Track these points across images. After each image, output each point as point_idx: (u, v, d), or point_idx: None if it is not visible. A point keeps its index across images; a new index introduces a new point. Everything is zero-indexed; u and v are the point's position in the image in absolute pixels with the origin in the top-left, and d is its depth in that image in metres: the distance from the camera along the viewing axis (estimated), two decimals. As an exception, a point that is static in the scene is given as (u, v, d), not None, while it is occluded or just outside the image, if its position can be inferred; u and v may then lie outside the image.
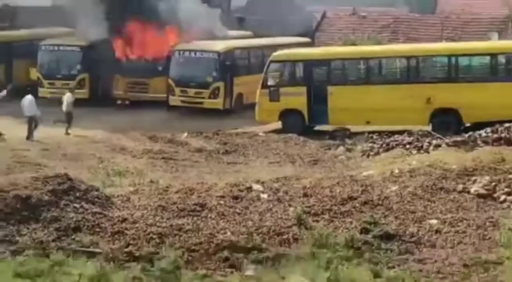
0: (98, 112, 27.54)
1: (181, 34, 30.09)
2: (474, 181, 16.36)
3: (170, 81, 28.81)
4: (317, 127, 25.24)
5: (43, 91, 30.01)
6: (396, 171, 17.28)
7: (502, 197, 15.41)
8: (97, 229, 12.66)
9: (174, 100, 28.70)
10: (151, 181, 17.54)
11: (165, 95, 29.29)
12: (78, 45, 30.65)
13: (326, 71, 25.05)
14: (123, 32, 29.76)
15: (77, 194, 13.49)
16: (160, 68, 29.80)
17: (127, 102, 30.33)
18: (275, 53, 25.65)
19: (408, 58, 24.33)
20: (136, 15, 28.95)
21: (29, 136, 22.26)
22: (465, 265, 11.67)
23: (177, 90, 28.55)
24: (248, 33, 35.34)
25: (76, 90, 28.90)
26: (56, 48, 30.73)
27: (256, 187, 15.52)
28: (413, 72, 24.36)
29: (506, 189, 15.55)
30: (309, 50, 28.14)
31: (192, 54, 28.86)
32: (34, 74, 30.86)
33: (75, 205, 13.19)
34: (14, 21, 40.13)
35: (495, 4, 39.32)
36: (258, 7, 39.61)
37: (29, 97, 23.25)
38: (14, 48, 33.19)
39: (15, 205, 12.74)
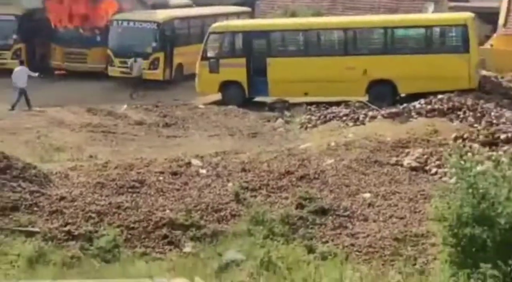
0: (35, 83, 27.08)
1: (120, 3, 29.78)
2: (407, 153, 16.90)
3: (109, 51, 28.52)
4: (257, 99, 25.43)
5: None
6: (333, 143, 17.68)
7: (434, 170, 15.99)
8: (35, 208, 12.67)
9: (113, 71, 28.45)
10: (90, 156, 17.52)
11: (104, 65, 29.00)
12: (13, 14, 30.00)
13: (265, 42, 25.15)
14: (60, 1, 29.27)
15: (14, 173, 13.44)
16: (98, 38, 29.45)
17: (64, 72, 29.96)
18: (214, 25, 25.63)
19: (345, 30, 24.61)
20: None
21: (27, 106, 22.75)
22: (395, 239, 12.14)
23: (116, 61, 28.31)
24: (188, 1, 35.12)
25: (12, 61, 28.49)
26: (-11, 17, 29.98)
27: (195, 162, 15.70)
28: (350, 44, 24.68)
29: (437, 162, 16.12)
30: (248, 21, 28.21)
31: (131, 24, 28.58)
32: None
33: (12, 183, 13.14)
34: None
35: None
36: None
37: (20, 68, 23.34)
38: None
39: (-51, 184, 12.64)
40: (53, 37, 29.91)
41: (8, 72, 25.20)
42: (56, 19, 29.71)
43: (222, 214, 12.95)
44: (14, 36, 29.78)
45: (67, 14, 29.60)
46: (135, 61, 26.67)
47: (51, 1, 29.55)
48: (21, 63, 24.76)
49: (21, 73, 23.31)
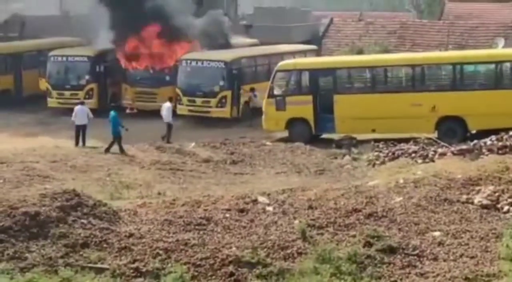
0: (106, 123, 27.73)
1: (189, 43, 30.38)
2: (478, 191, 16.47)
3: (178, 90, 29.05)
4: (324, 136, 25.38)
5: (51, 102, 30.33)
6: (401, 181, 17.38)
7: (506, 207, 15.53)
8: (105, 245, 12.87)
9: (182, 109, 28.93)
10: (159, 193, 17.78)
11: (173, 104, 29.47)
12: (86, 56, 30.95)
13: (331, 80, 25.21)
14: (130, 42, 30.07)
15: (85, 210, 13.72)
16: (167, 77, 30.06)
17: (135, 111, 30.58)
18: (281, 63, 25.84)
19: (413, 66, 24.46)
20: (144, 25, 29.26)
21: (78, 144, 23.44)
22: (466, 279, 11.81)
23: (185, 99, 28.79)
24: (255, 40, 35.56)
25: (85, 100, 29.31)
26: (64, 58, 31.03)
27: (261, 199, 15.69)
28: (418, 80, 24.49)
29: (509, 199, 15.66)
30: (314, 59, 28.34)
31: (200, 63, 29.08)
32: (43, 84, 31.16)
33: (83, 220, 13.41)
34: (23, 31, 40.54)
35: (502, 9, 39.38)
36: (264, 15, 39.77)
37: (81, 108, 23.91)
38: (24, 58, 33.61)
39: (24, 221, 12.99)
40: (124, 77, 30.69)
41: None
42: (127, 60, 30.50)
43: (288, 251, 12.87)
44: (87, 77, 30.68)
45: (138, 55, 30.36)
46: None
47: (122, 43, 30.39)
48: (82, 103, 24.90)
49: (81, 112, 23.84)
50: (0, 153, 21.53)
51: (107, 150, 22.40)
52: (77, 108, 24.07)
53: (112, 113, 23.14)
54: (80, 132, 23.68)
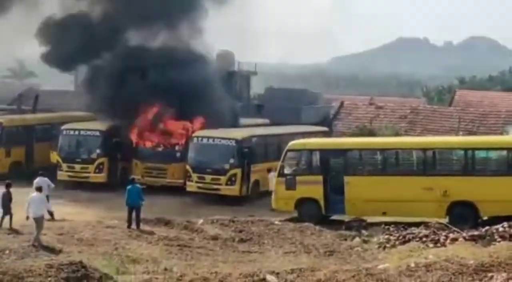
0: (115, 197, 27.65)
1: (200, 121, 30.61)
2: (491, 277, 16.17)
3: (188, 167, 29.07)
4: (334, 217, 25.16)
5: (61, 174, 30.35)
6: (412, 264, 17.10)
7: (520, 295, 15.18)
8: (109, 319, 12.56)
9: (191, 186, 28.88)
10: (165, 269, 17.47)
11: (182, 180, 29.51)
12: (98, 130, 31.18)
13: (342, 161, 25.18)
14: (141, 118, 30.34)
15: (91, 282, 13.47)
16: (178, 154, 30.16)
17: (144, 186, 30.49)
18: (292, 142, 25.91)
19: (424, 150, 24.46)
20: (155, 102, 29.60)
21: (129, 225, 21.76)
22: None
23: (195, 176, 28.78)
24: (266, 120, 35.83)
25: (94, 174, 29.34)
26: (76, 132, 31.27)
27: (270, 278, 15.43)
28: (430, 164, 24.42)
29: (523, 287, 15.33)
30: (325, 140, 28.43)
31: (210, 141, 29.21)
32: (54, 157, 31.28)
33: (88, 293, 13.15)
34: (37, 105, 41.04)
35: (512, 97, 39.75)
36: (276, 95, 40.25)
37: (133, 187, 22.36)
38: (36, 131, 33.89)
39: (28, 292, 12.74)
40: (134, 152, 30.80)
41: (91, 186, 26.03)
42: (138, 137, 30.69)
43: None
44: (98, 151, 30.81)
45: (150, 131, 30.58)
46: None
47: (135, 121, 30.63)
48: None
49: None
50: (7, 224, 21.39)
51: (130, 225, 21.93)
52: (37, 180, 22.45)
53: (137, 186, 22.79)
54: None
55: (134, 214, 22.04)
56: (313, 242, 21.59)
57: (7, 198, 21.42)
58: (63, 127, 31.48)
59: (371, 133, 33.74)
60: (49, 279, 13.08)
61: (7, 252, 18.59)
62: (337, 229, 23.32)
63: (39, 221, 19.93)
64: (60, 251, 19.06)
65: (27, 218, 19.79)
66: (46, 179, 23.15)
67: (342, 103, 41.74)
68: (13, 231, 20.82)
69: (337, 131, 37.24)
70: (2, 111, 41.52)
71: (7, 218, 21.35)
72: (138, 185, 23.02)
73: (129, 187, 22.52)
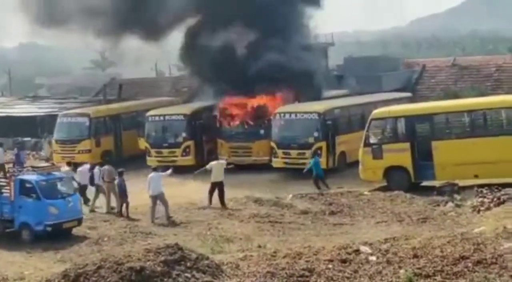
0: (203, 179, 28.05)
1: (282, 97, 30.65)
2: None
3: (273, 143, 29.19)
4: (424, 183, 24.79)
5: (150, 160, 30.99)
6: (509, 226, 16.70)
7: None
8: (209, 298, 12.82)
9: (277, 162, 29.00)
10: (259, 246, 17.73)
11: (268, 157, 29.65)
12: (182, 114, 31.61)
13: (429, 126, 24.71)
14: (226, 99, 30.64)
15: (188, 264, 13.74)
16: (262, 131, 30.29)
17: (231, 166, 30.86)
18: (375, 111, 25.58)
19: (513, 108, 23.73)
20: (238, 83, 29.81)
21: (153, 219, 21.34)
22: None
23: (280, 152, 28.87)
24: (347, 91, 35.49)
25: (182, 158, 29.82)
26: (161, 118, 31.78)
27: (364, 249, 15.34)
28: (520, 122, 23.70)
29: None
30: (410, 106, 27.92)
31: (293, 116, 29.18)
32: (142, 144, 31.97)
33: (186, 274, 13.43)
34: (121, 94, 42.03)
35: None
36: (355, 64, 39.76)
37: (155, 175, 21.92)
38: (122, 120, 34.72)
39: (129, 277, 13.12)
40: (219, 133, 31.13)
41: (179, 169, 26.43)
42: (223, 117, 30.98)
43: (396, 302, 12.45)
44: (184, 134, 31.27)
45: (234, 111, 30.83)
46: None
47: (218, 101, 30.98)
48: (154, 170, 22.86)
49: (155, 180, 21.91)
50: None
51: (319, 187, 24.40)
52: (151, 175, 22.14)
53: (316, 158, 25.44)
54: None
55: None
56: (404, 210, 21.38)
57: (123, 186, 22.05)
58: (148, 113, 32.06)
59: (456, 96, 32.88)
60: (148, 263, 13.41)
61: (105, 239, 19.26)
62: (428, 195, 22.98)
63: (160, 197, 21.30)
64: (155, 235, 19.62)
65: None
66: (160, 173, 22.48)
67: (424, 67, 40.86)
68: (129, 219, 21.38)
69: (420, 96, 36.49)
70: (89, 102, 42.80)
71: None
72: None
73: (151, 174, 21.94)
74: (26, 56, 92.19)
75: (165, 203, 21.37)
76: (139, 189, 22.97)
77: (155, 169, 22.84)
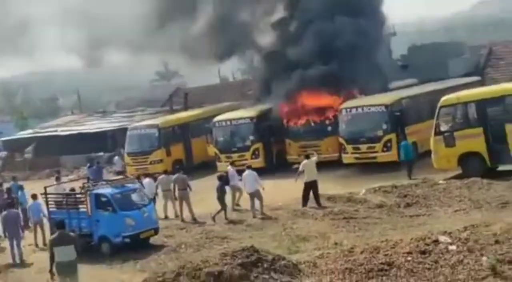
0: (275, 179, 28.02)
1: (347, 92, 30.38)
2: None
3: (341, 139, 28.93)
4: (501, 168, 24.10)
5: (221, 166, 31.14)
6: None
7: None
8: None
9: (347, 158, 28.74)
10: (335, 243, 17.57)
11: (337, 154, 29.42)
12: (249, 117, 31.68)
13: (501, 109, 23.99)
14: (291, 99, 30.55)
15: (265, 265, 13.73)
16: (329, 128, 30.07)
17: (297, 166, 30.70)
18: (444, 98, 25.02)
19: None
20: (303, 83, 29.75)
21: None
22: None
23: (349, 147, 28.60)
24: (413, 80, 34.89)
25: (252, 160, 29.86)
26: (228, 122, 31.95)
27: (443, 238, 14.99)
28: None
29: None
30: (479, 90, 27.21)
31: (360, 110, 28.85)
32: (211, 150, 32.18)
33: (264, 276, 13.42)
34: (187, 102, 42.48)
35: None
36: (420, 53, 39.06)
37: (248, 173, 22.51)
38: (190, 128, 35.06)
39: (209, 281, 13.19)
40: (286, 133, 31.05)
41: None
42: (291, 117, 30.91)
43: (481, 290, 12.11)
44: (251, 137, 31.32)
45: (301, 110, 30.72)
46: None
47: (283, 102, 30.94)
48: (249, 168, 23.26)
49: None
50: (175, 221, 22.32)
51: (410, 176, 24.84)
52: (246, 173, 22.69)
53: (404, 142, 26.12)
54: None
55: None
56: (482, 196, 20.83)
57: (221, 191, 22.31)
58: (215, 119, 32.28)
59: (527, 76, 31.93)
60: (225, 266, 13.45)
61: (183, 246, 19.43)
62: (506, 179, 22.32)
63: (256, 194, 22.03)
64: (231, 239, 19.68)
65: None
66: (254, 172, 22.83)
67: (491, 50, 39.86)
68: (229, 222, 21.64)
69: (490, 80, 35.57)
70: (157, 113, 43.41)
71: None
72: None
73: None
74: (94, 74, 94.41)
75: (260, 199, 21.95)
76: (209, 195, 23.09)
77: (249, 167, 23.30)
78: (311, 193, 22.30)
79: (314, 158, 23.37)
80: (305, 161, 22.77)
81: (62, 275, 13.83)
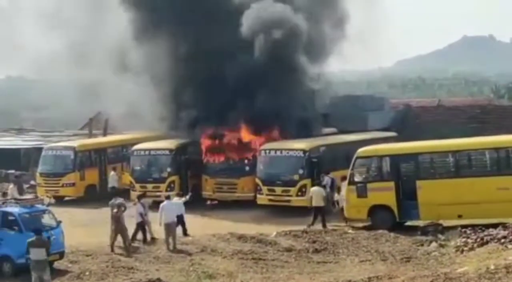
0: (187, 213, 27.91)
1: (268, 134, 30.67)
2: None
3: (258, 180, 29.14)
4: (408, 223, 24.80)
5: (133, 194, 30.74)
6: (492, 267, 16.73)
7: None
8: None
9: (262, 199, 28.93)
10: (241, 283, 17.56)
11: (253, 194, 29.59)
12: (168, 149, 31.53)
13: (414, 165, 24.78)
14: (211, 135, 30.62)
15: (170, 299, 13.61)
16: (247, 168, 30.26)
17: (215, 202, 30.77)
18: (360, 149, 25.65)
19: (497, 150, 23.90)
20: (223, 120, 29.84)
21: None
22: None
23: (265, 189, 28.84)
24: (333, 129, 35.57)
25: (166, 193, 29.65)
26: (147, 152, 31.67)
27: (347, 287, 15.29)
28: (504, 164, 23.84)
29: None
30: (395, 145, 28.04)
31: (278, 153, 29.20)
32: (127, 178, 31.81)
33: (168, 310, 13.29)
34: (107, 128, 41.90)
35: None
36: (341, 103, 39.84)
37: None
38: (108, 154, 34.57)
39: (110, 311, 12.96)
40: (204, 169, 31.05)
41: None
42: (209, 154, 30.94)
43: None
44: (169, 169, 31.15)
45: (219, 148, 30.80)
46: None
47: (204, 137, 30.97)
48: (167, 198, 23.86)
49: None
50: (85, 246, 21.87)
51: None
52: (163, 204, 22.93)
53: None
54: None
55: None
56: (388, 249, 21.35)
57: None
58: (133, 148, 31.97)
59: (442, 136, 33.07)
60: (129, 298, 13.31)
61: (87, 273, 19.04)
62: (412, 234, 22.99)
63: (172, 226, 22.09)
64: (138, 270, 19.42)
65: (160, 224, 22.13)
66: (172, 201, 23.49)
67: (409, 107, 41.14)
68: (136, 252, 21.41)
69: (406, 136, 36.64)
70: (74, 136, 42.63)
71: None
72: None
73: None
74: (14, 89, 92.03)
75: (174, 231, 22.18)
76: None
77: (168, 197, 23.65)
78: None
79: (321, 189, 25.96)
80: (314, 188, 25.96)
81: (36, 270, 17.25)
